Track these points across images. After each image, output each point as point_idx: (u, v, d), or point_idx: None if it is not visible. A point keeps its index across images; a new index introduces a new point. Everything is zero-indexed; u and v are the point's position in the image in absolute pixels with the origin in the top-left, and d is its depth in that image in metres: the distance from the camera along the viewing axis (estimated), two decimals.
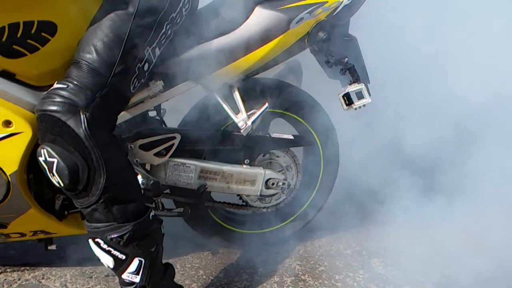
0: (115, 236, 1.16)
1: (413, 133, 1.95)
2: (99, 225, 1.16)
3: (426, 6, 1.99)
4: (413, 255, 1.71)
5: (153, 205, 1.47)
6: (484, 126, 2.09)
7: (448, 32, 2.02)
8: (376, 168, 2.02)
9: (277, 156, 1.61)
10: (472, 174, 1.88)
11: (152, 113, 1.56)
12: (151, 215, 1.22)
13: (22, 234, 1.39)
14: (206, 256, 1.69)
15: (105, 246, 1.18)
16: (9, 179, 1.22)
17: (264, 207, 1.63)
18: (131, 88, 1.20)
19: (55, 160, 1.09)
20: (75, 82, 1.11)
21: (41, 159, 1.11)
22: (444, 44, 2.05)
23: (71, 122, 1.08)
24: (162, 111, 1.67)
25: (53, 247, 1.67)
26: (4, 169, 1.21)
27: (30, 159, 1.27)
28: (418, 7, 1.96)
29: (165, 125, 1.55)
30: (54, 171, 1.10)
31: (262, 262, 1.67)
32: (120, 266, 1.19)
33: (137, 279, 1.21)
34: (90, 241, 1.19)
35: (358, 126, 1.91)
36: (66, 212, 1.40)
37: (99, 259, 1.21)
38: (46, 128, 1.10)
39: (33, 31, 1.18)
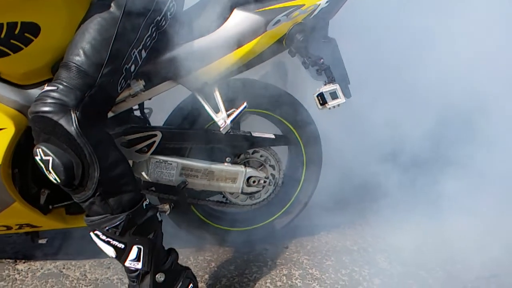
0: (111, 226, 1.22)
1: (410, 128, 2.01)
2: (94, 218, 1.22)
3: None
4: (417, 252, 1.76)
5: None
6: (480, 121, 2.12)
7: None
8: (381, 165, 2.06)
9: (260, 155, 1.65)
10: (477, 169, 1.92)
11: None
12: (144, 204, 1.27)
13: (8, 227, 1.45)
14: (217, 249, 1.76)
15: (104, 237, 1.24)
16: None
17: (248, 204, 1.67)
18: (118, 88, 1.26)
19: (50, 158, 1.15)
20: (64, 84, 1.17)
21: (37, 158, 1.17)
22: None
23: (62, 121, 1.13)
24: (148, 110, 1.73)
25: (43, 241, 1.74)
26: None
27: (15, 155, 1.33)
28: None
29: (149, 123, 1.60)
30: (50, 168, 1.16)
31: (271, 257, 1.74)
32: (121, 255, 1.26)
33: (139, 265, 1.27)
34: (91, 233, 1.26)
35: (356, 121, 1.96)
36: (50, 207, 1.46)
37: (102, 250, 1.27)
38: (40, 128, 1.15)
39: (16, 31, 1.23)
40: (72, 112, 1.14)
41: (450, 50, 2.04)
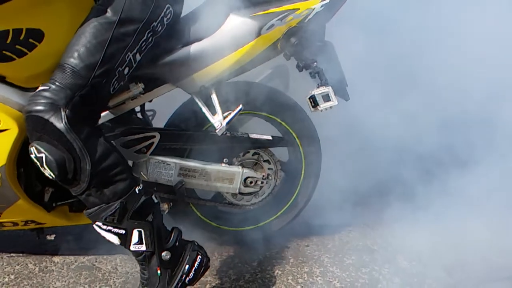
0: (108, 215, 1.29)
1: (426, 126, 2.07)
2: (91, 210, 1.29)
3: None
4: (437, 252, 1.78)
5: None
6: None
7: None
8: (401, 165, 2.10)
9: (258, 156, 1.68)
10: (497, 168, 1.95)
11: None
12: (137, 189, 1.32)
13: (15, 223, 1.52)
14: (241, 246, 1.81)
15: (104, 227, 1.31)
16: None
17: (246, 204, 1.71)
18: (111, 89, 1.31)
19: (43, 155, 1.21)
20: (56, 83, 1.23)
21: (32, 156, 1.24)
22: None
23: (53, 119, 1.20)
24: (152, 112, 1.79)
25: (51, 237, 1.82)
26: None
27: (20, 155, 1.39)
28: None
29: (150, 124, 1.66)
30: (44, 165, 1.22)
31: (292, 254, 1.79)
32: (124, 240, 1.32)
33: (143, 247, 1.34)
34: (94, 226, 1.33)
35: (370, 120, 2.00)
36: (54, 204, 1.52)
37: (107, 240, 1.34)
38: (33, 127, 1.22)
39: (21, 37, 1.30)
40: (62, 110, 1.20)
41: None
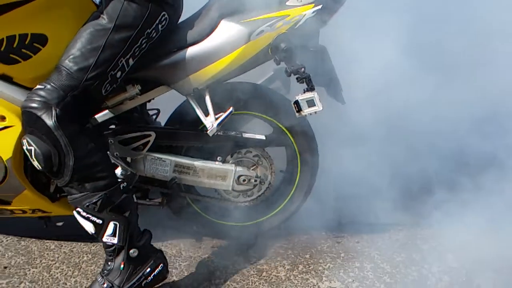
0: (90, 203, 1.39)
1: (478, 129, 2.08)
2: (76, 195, 1.40)
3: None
4: (486, 252, 1.80)
5: None
6: None
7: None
8: (451, 165, 2.17)
9: (252, 155, 1.75)
10: None
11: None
12: (122, 185, 1.44)
13: (24, 211, 1.66)
14: (293, 238, 1.94)
15: (84, 214, 1.42)
16: (6, 164, 1.48)
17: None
18: (103, 91, 1.41)
19: (33, 148, 1.34)
20: (51, 84, 1.35)
21: (24, 147, 1.36)
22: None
23: (44, 116, 1.32)
24: (155, 111, 1.89)
25: (59, 223, 1.95)
26: (1, 155, 1.47)
27: None
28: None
29: (149, 123, 1.76)
30: (33, 157, 1.35)
31: (343, 250, 1.88)
32: (99, 230, 1.43)
33: (115, 240, 1.44)
34: (74, 212, 1.44)
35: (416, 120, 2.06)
36: (58, 195, 1.65)
37: (83, 228, 1.45)
38: (26, 122, 1.35)
39: (27, 42, 1.42)
40: (53, 109, 1.31)
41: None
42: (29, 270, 1.70)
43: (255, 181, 1.76)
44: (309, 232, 1.95)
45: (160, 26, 1.48)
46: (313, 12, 1.56)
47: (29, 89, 1.47)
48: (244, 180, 1.75)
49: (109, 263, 1.49)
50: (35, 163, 1.36)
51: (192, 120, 1.69)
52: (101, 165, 1.40)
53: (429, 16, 2.02)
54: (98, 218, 1.42)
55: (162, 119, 1.84)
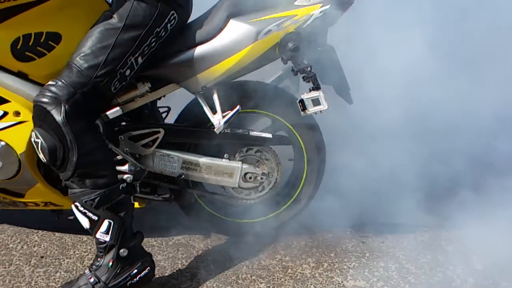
0: (88, 199, 1.44)
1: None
2: (75, 190, 1.44)
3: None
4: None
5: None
6: None
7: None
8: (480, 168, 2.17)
9: (258, 153, 1.78)
10: None
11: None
12: (121, 186, 1.48)
13: (36, 204, 1.71)
14: (317, 237, 1.96)
15: (81, 208, 1.46)
16: (20, 157, 1.53)
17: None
18: (112, 88, 1.46)
19: (40, 141, 1.39)
20: (62, 80, 1.40)
21: (32, 139, 1.42)
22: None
23: (53, 112, 1.36)
24: (166, 108, 1.93)
25: (71, 217, 2.01)
26: (15, 149, 1.52)
27: None
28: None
29: (160, 120, 1.80)
30: (39, 149, 1.40)
31: (368, 249, 1.90)
32: (94, 226, 1.47)
33: (107, 238, 1.49)
34: (72, 206, 1.49)
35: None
36: None
37: (79, 223, 1.50)
38: (36, 115, 1.40)
39: (42, 40, 1.47)
40: (62, 105, 1.36)
41: None
42: (64, 260, 1.78)
43: (261, 178, 1.79)
44: (333, 231, 1.97)
45: (169, 25, 1.51)
46: (321, 12, 1.58)
47: (43, 86, 1.53)
48: (250, 178, 1.77)
49: (98, 259, 1.53)
50: (41, 155, 1.41)
51: (200, 117, 1.72)
52: (103, 164, 1.45)
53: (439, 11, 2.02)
54: (94, 214, 1.46)
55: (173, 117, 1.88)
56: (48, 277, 1.68)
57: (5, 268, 1.72)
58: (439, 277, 1.74)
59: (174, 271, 1.75)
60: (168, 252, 1.84)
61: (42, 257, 1.79)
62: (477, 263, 1.80)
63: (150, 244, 1.87)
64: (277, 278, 1.73)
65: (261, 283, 1.71)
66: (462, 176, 2.12)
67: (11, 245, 1.83)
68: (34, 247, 1.83)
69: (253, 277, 1.73)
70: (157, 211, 1.96)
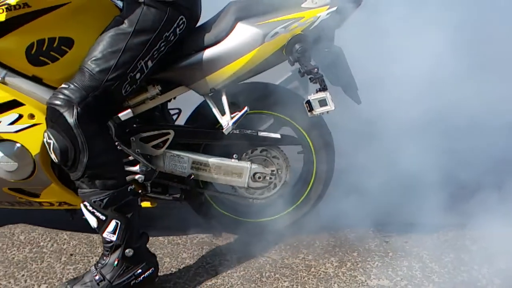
0: (97, 199, 1.48)
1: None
2: (85, 190, 1.49)
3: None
4: None
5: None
6: None
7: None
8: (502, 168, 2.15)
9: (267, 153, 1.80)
10: None
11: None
12: (129, 188, 1.52)
13: (51, 204, 1.76)
14: (340, 237, 1.96)
15: (90, 208, 1.50)
16: (34, 159, 1.58)
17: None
18: (123, 91, 1.50)
19: (52, 142, 1.43)
20: (75, 84, 1.44)
21: (44, 140, 1.47)
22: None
23: (66, 114, 1.41)
24: (177, 110, 1.96)
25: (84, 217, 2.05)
26: (30, 151, 1.57)
27: None
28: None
29: (169, 122, 1.83)
30: (51, 149, 1.45)
31: (392, 249, 1.90)
32: (101, 225, 1.52)
33: (114, 237, 1.53)
34: (81, 205, 1.53)
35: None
36: None
37: (87, 221, 1.54)
38: (49, 117, 1.45)
39: (55, 45, 1.52)
40: (75, 108, 1.41)
41: None
42: (92, 258, 1.83)
43: (270, 178, 1.81)
44: (356, 231, 1.97)
45: (178, 29, 1.55)
46: (328, 14, 1.60)
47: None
48: (259, 178, 1.80)
49: (104, 257, 1.57)
50: (52, 156, 1.46)
51: (209, 119, 1.75)
52: (113, 166, 1.49)
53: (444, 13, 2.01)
54: (102, 214, 1.50)
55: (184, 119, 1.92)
56: (78, 274, 1.73)
57: (37, 265, 1.78)
58: (464, 276, 1.73)
59: (199, 268, 1.79)
60: (193, 250, 1.88)
61: (71, 254, 1.84)
62: (503, 264, 1.77)
63: (175, 242, 1.91)
64: (301, 277, 1.75)
65: (284, 281, 1.73)
66: (485, 175, 2.10)
67: (42, 243, 1.89)
68: (63, 245, 1.89)
69: (277, 275, 1.76)
70: (182, 211, 1.99)
